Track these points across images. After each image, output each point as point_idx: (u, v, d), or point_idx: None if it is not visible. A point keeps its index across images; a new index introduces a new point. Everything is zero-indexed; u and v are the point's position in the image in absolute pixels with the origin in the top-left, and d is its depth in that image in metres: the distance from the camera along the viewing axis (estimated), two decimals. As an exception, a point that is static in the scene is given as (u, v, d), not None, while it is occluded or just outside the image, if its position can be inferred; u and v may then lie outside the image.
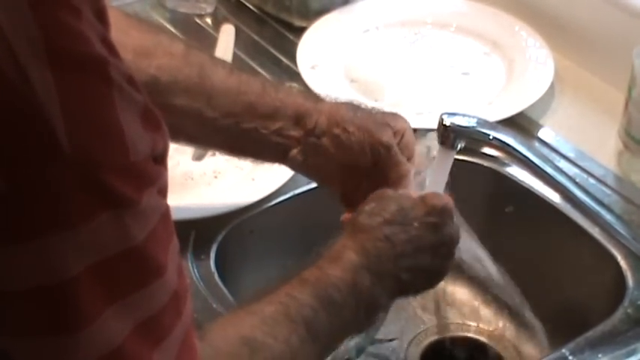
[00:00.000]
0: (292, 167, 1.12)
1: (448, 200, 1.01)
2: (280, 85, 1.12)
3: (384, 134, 1.06)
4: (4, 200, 0.60)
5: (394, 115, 1.10)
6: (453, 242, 1.01)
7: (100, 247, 0.63)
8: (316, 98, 1.11)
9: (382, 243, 0.96)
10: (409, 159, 1.07)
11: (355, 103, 1.11)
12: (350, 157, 1.07)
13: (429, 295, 1.29)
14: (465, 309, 1.39)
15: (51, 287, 0.62)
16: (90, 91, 0.62)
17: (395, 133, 1.07)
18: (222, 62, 1.12)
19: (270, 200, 1.28)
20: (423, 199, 1.00)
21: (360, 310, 0.95)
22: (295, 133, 1.08)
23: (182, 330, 0.70)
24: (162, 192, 0.68)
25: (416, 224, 0.98)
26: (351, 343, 1.18)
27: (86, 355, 0.65)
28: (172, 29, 1.60)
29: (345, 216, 1.08)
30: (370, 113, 1.08)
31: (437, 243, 1.00)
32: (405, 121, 1.09)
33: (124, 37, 0.66)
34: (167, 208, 0.69)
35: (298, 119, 1.08)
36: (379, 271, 0.96)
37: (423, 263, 0.99)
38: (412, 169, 1.07)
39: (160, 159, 0.67)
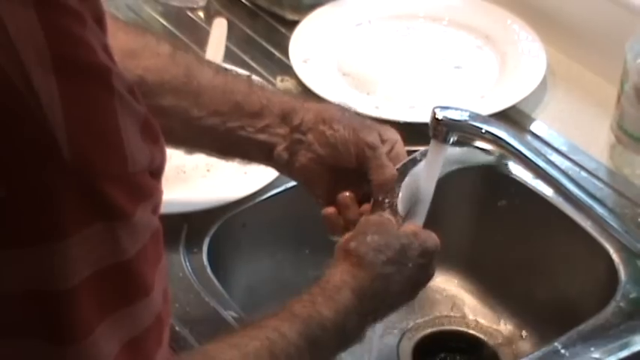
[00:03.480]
0: (277, 167, 1.12)
1: (438, 242, 1.01)
2: (265, 85, 1.12)
3: (370, 134, 1.06)
4: (2, 205, 0.60)
5: (385, 126, 1.10)
6: (428, 281, 1.03)
7: (92, 259, 0.63)
8: (302, 97, 1.12)
9: (379, 282, 0.97)
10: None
11: (345, 105, 1.11)
12: (334, 155, 1.07)
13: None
14: (457, 302, 1.39)
15: (46, 293, 0.62)
16: (92, 99, 0.62)
17: (385, 142, 1.07)
18: (209, 62, 1.13)
19: (263, 194, 1.28)
20: (416, 237, 1.00)
21: (338, 349, 0.96)
22: (281, 130, 1.08)
23: (162, 358, 0.70)
24: (156, 210, 0.68)
25: (410, 265, 0.99)
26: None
27: None
28: (164, 23, 1.59)
29: (328, 210, 1.07)
30: (359, 116, 1.09)
31: (418, 283, 1.01)
32: (395, 133, 1.09)
33: (112, 39, 0.67)
34: (159, 227, 0.69)
35: (284, 116, 1.08)
36: (366, 310, 0.96)
37: (401, 299, 1.01)
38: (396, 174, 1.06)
39: (156, 173, 0.68)
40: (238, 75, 1.12)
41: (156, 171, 0.68)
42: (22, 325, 0.63)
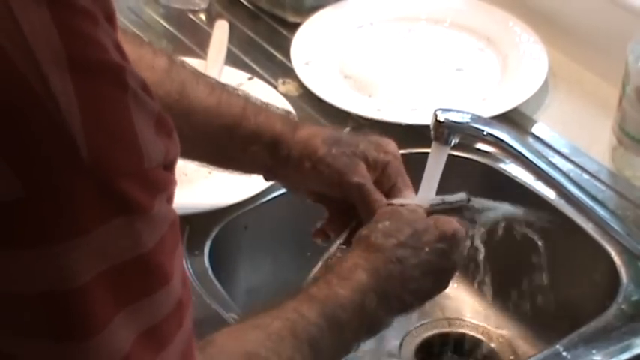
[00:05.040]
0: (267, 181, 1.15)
1: (458, 227, 1.01)
2: (262, 107, 1.10)
3: (356, 175, 1.05)
4: (20, 206, 0.60)
5: (379, 145, 1.08)
6: (455, 269, 1.02)
7: (111, 254, 0.63)
8: (295, 124, 1.10)
9: (394, 265, 0.97)
10: (391, 188, 1.07)
11: (336, 133, 1.10)
12: (320, 189, 1.08)
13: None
14: (458, 305, 1.39)
15: (63, 292, 0.62)
16: (108, 98, 0.62)
17: (376, 165, 1.06)
18: (205, 79, 1.11)
19: (264, 196, 1.28)
20: (435, 222, 1.01)
21: (362, 330, 0.96)
22: (269, 159, 1.08)
23: (182, 339, 0.70)
24: (170, 200, 0.69)
25: (427, 249, 0.99)
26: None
27: None
28: (166, 25, 1.59)
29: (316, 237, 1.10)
30: (348, 148, 1.07)
31: (441, 269, 1.01)
32: (390, 151, 1.08)
33: None
34: (175, 216, 0.69)
35: (273, 146, 1.07)
36: (386, 292, 0.96)
37: (426, 286, 1.00)
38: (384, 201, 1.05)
39: (170, 166, 0.68)
40: (234, 93, 1.10)
41: (170, 164, 0.68)
42: (36, 324, 0.63)
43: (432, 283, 1.00)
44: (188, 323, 0.71)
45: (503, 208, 1.10)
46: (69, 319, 0.63)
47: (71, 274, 0.62)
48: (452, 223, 1.01)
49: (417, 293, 0.99)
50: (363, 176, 1.05)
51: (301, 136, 1.08)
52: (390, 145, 1.09)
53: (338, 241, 1.05)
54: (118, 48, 0.64)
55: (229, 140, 1.07)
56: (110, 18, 0.66)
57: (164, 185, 0.67)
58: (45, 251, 0.61)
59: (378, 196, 1.05)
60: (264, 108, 1.10)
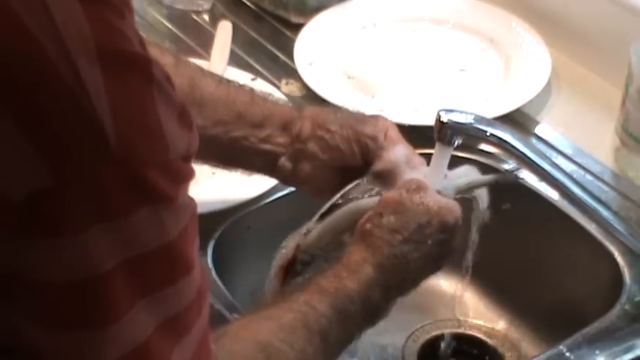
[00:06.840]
0: (281, 178, 1.15)
1: (459, 215, 1.03)
2: (268, 96, 1.15)
3: (367, 127, 1.09)
4: (50, 195, 0.61)
5: (374, 116, 1.12)
6: (451, 254, 1.04)
7: (137, 242, 0.65)
8: (299, 107, 1.14)
9: (398, 260, 0.99)
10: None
11: (336, 108, 1.15)
12: (338, 157, 1.09)
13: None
14: (462, 305, 1.39)
15: (85, 280, 0.63)
16: (135, 89, 0.64)
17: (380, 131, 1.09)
18: (211, 73, 1.15)
19: (268, 196, 1.28)
20: (438, 211, 1.01)
21: (365, 321, 0.98)
22: (283, 140, 1.10)
23: (200, 328, 0.72)
24: (187, 190, 0.70)
25: (429, 242, 1.00)
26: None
27: (113, 348, 0.66)
28: (169, 26, 1.59)
29: None
30: (351, 112, 1.12)
31: (439, 257, 1.02)
32: (386, 121, 1.11)
33: None
34: (195, 206, 0.71)
35: (285, 127, 1.10)
36: (388, 284, 0.98)
37: (425, 274, 1.03)
38: (400, 159, 1.08)
39: (189, 159, 0.69)
40: (240, 86, 1.15)
41: (189, 156, 0.69)
42: (61, 314, 0.64)
43: (430, 270, 1.03)
44: (206, 312, 0.73)
45: (471, 177, 1.10)
46: (91, 306, 0.64)
47: (95, 262, 0.63)
48: (454, 213, 1.02)
49: (416, 281, 1.02)
50: (374, 129, 1.09)
51: (307, 112, 1.12)
52: (382, 116, 1.12)
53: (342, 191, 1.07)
54: (142, 42, 0.66)
55: (242, 127, 1.10)
56: (130, 12, 0.67)
57: (186, 175, 0.68)
58: (73, 239, 0.62)
59: (391, 146, 1.08)
60: (271, 96, 1.15)
